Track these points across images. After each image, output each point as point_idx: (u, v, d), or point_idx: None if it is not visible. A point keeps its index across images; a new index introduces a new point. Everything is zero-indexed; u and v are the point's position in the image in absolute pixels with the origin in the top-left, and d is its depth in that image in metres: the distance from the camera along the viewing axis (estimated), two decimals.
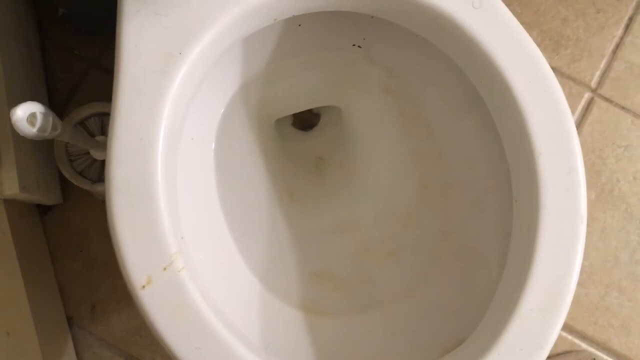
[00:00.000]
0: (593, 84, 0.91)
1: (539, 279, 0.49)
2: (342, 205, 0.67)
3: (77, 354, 0.82)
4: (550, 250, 0.50)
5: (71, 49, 0.89)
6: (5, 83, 0.70)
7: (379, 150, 0.67)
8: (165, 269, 0.47)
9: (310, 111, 0.71)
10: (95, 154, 0.76)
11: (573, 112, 0.91)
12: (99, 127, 0.77)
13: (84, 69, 0.89)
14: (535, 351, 0.48)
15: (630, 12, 0.92)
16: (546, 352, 0.49)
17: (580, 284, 0.87)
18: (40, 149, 0.79)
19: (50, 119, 0.53)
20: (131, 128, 0.48)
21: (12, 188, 0.70)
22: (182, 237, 0.50)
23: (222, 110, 0.62)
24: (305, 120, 0.72)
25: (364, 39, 0.63)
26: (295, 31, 0.60)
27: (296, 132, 0.72)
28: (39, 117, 0.51)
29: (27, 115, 0.50)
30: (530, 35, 0.89)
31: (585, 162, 0.88)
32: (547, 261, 0.50)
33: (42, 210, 0.85)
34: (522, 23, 0.90)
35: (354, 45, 0.64)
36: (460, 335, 0.53)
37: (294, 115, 0.70)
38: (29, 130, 0.51)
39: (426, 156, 0.64)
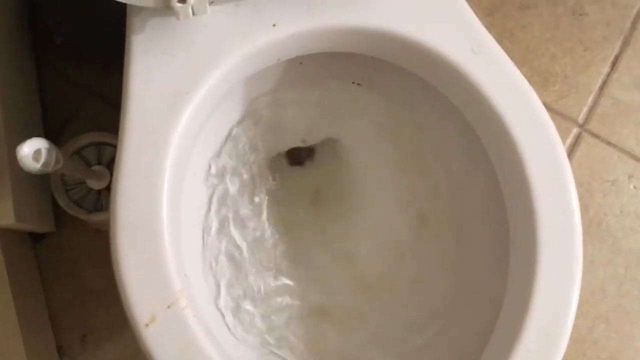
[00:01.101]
0: (580, 119, 0.94)
1: (537, 319, 0.50)
2: (339, 240, 0.68)
3: None
4: (547, 290, 0.51)
5: (67, 77, 0.89)
6: (3, 112, 0.70)
7: (376, 184, 0.68)
8: (169, 306, 0.47)
9: (309, 146, 0.72)
10: (92, 184, 0.76)
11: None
12: (96, 156, 0.77)
13: (80, 96, 0.89)
14: None
15: (616, 50, 0.95)
16: None
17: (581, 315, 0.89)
18: (35, 179, 0.78)
19: (54, 154, 0.54)
20: (137, 166, 0.49)
21: (7, 218, 0.70)
22: (185, 275, 0.50)
23: (222, 145, 0.62)
24: (300, 155, 0.73)
25: (362, 77, 0.64)
26: (296, 68, 0.61)
27: (293, 167, 0.73)
28: (44, 152, 0.52)
29: (33, 151, 0.50)
30: (520, 71, 0.92)
31: None
32: (544, 301, 0.51)
33: (35, 238, 0.85)
34: (512, 59, 0.92)
35: (353, 82, 0.65)
36: None
37: (288, 150, 0.71)
38: (34, 166, 0.51)
39: (423, 192, 0.66)
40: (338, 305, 0.63)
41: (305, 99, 0.65)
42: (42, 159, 0.52)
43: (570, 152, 0.93)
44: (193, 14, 0.50)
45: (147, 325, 0.47)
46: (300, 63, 0.61)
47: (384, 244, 0.66)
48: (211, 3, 0.51)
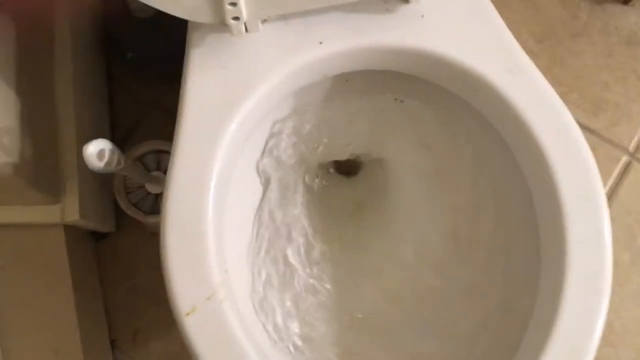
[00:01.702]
0: (631, 148, 0.93)
1: (563, 336, 0.51)
2: (377, 252, 0.70)
3: None
4: (574, 308, 0.52)
5: (135, 91, 0.96)
6: (75, 118, 0.77)
7: (415, 200, 0.70)
8: (208, 298, 0.51)
9: (352, 160, 0.75)
10: (150, 188, 0.81)
11: (610, 174, 0.92)
12: (155, 163, 0.83)
13: (145, 108, 0.96)
14: None
15: None
16: None
17: (610, 344, 0.87)
18: (100, 181, 0.85)
19: (116, 155, 0.59)
20: (188, 169, 0.53)
21: (72, 215, 0.76)
22: (225, 271, 0.54)
23: (271, 156, 0.66)
24: (348, 167, 0.77)
25: (405, 94, 0.67)
26: (342, 85, 0.65)
27: (338, 178, 0.76)
28: (107, 153, 0.57)
29: (97, 151, 0.55)
30: (570, 97, 0.93)
31: (620, 225, 0.89)
32: (572, 318, 0.51)
33: (97, 237, 0.91)
34: (563, 86, 0.94)
35: (396, 99, 0.68)
36: None
37: (337, 161, 0.74)
38: (97, 164, 0.56)
39: (459, 209, 0.67)
40: (369, 313, 0.65)
41: (349, 116, 0.68)
42: (105, 159, 0.57)
43: (619, 180, 0.92)
44: (246, 30, 0.55)
45: (187, 314, 0.51)
46: (347, 80, 0.65)
47: (421, 258, 0.68)
48: (263, 21, 0.56)
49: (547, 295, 0.54)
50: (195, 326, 0.51)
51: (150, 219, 0.81)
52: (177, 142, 0.54)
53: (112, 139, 0.93)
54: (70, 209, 0.76)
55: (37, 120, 0.71)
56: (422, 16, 0.57)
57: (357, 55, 0.57)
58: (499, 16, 0.58)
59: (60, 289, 0.78)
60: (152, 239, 0.90)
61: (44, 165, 0.73)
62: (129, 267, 0.91)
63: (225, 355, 0.50)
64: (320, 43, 0.56)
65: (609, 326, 0.88)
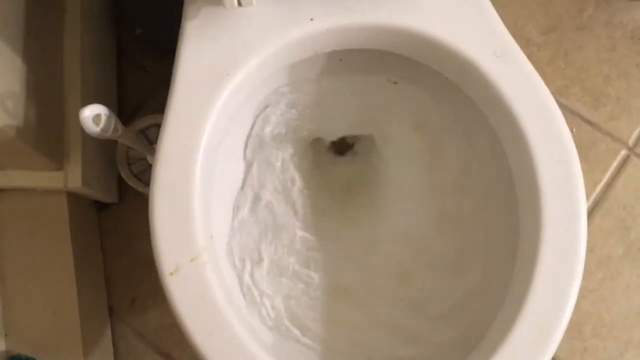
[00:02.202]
0: (630, 142, 0.93)
1: (533, 311, 0.52)
2: (365, 228, 0.72)
3: (113, 341, 0.89)
4: (546, 285, 0.53)
5: (143, 66, 0.99)
6: (82, 88, 0.80)
7: (405, 180, 0.72)
8: (192, 260, 0.53)
9: (345, 139, 0.77)
10: (152, 160, 0.84)
11: (608, 167, 0.93)
12: (157, 136, 0.85)
13: (152, 85, 0.98)
14: None
15: None
16: None
17: (599, 337, 0.88)
18: (103, 151, 0.88)
19: (113, 122, 0.61)
20: (178, 135, 0.55)
21: (75, 182, 0.79)
22: (211, 236, 0.56)
23: (263, 128, 0.68)
24: (341, 146, 0.78)
25: (399, 76, 0.69)
26: (336, 64, 0.67)
27: (330, 155, 0.78)
28: (103, 118, 0.59)
29: (93, 115, 0.58)
30: (572, 90, 0.94)
31: (615, 218, 0.90)
32: (542, 296, 0.53)
33: (99, 207, 0.94)
34: (565, 78, 0.95)
35: (389, 80, 0.69)
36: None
37: (330, 140, 0.76)
38: (93, 128, 0.59)
39: (446, 190, 0.69)
40: (356, 285, 0.67)
41: (343, 95, 0.70)
42: (102, 124, 0.60)
43: (617, 174, 0.93)
44: (239, 4, 0.56)
45: (171, 274, 0.53)
46: (341, 60, 0.66)
47: (407, 235, 0.70)
48: None
49: (521, 275, 0.55)
50: (177, 286, 0.53)
51: None
52: (169, 109, 0.56)
53: (119, 112, 0.96)
54: (72, 176, 0.79)
55: (44, 88, 0.74)
56: None
57: (347, 33, 0.59)
58: (489, 1, 0.59)
59: (60, 253, 0.81)
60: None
61: (49, 132, 0.76)
62: (130, 238, 0.94)
63: (205, 315, 0.52)
64: (312, 19, 0.58)
65: (598, 319, 0.89)
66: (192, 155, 0.55)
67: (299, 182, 0.71)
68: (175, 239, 0.54)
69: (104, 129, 0.60)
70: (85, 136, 0.81)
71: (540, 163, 0.55)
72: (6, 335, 0.77)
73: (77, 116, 0.78)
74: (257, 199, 0.67)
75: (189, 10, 0.58)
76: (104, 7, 0.94)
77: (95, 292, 0.89)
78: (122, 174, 0.84)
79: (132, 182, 0.84)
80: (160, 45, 0.97)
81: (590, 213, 0.91)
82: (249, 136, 0.67)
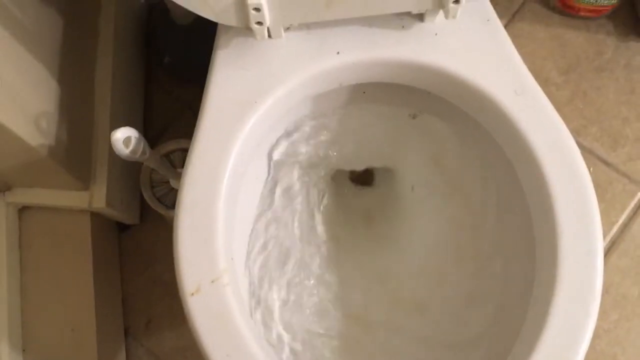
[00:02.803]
0: None
1: (547, 349, 0.52)
2: (383, 258, 0.73)
3: None
4: (562, 323, 0.53)
5: (170, 92, 1.02)
6: (111, 111, 0.83)
7: (423, 213, 0.73)
8: (213, 281, 0.54)
9: (366, 170, 0.78)
10: (174, 184, 0.86)
11: (625, 208, 0.93)
12: (181, 160, 0.88)
13: (178, 110, 1.01)
14: None
15: None
16: None
17: None
18: (128, 174, 0.90)
19: (142, 144, 0.63)
20: (205, 158, 0.57)
21: (99, 202, 0.81)
22: (232, 258, 0.58)
23: (286, 156, 0.70)
24: (361, 178, 0.80)
25: (419, 111, 0.70)
26: (359, 96, 0.69)
27: (351, 187, 0.79)
28: (133, 140, 0.61)
29: (124, 137, 0.60)
30: (590, 130, 0.95)
31: (632, 259, 0.90)
32: (557, 333, 0.53)
33: (120, 227, 0.96)
34: (583, 118, 0.96)
35: (410, 115, 0.71)
36: None
37: (351, 171, 0.77)
38: (123, 150, 0.61)
39: (464, 225, 0.70)
40: (372, 315, 0.68)
41: (364, 126, 0.72)
42: (131, 146, 0.62)
43: (634, 215, 0.93)
44: (269, 36, 0.59)
45: (192, 294, 0.54)
46: (364, 92, 0.68)
47: (424, 269, 0.71)
48: (286, 29, 0.60)
49: (536, 312, 0.56)
50: (198, 306, 0.54)
51: (172, 213, 0.85)
52: (197, 133, 0.58)
53: (145, 135, 0.98)
54: (97, 197, 0.81)
55: (75, 109, 0.77)
56: (436, 34, 0.60)
57: (371, 67, 0.61)
58: (509, 39, 0.61)
59: (81, 271, 0.83)
60: (172, 235, 0.94)
61: (77, 153, 0.78)
62: (149, 259, 0.95)
63: (223, 336, 0.53)
64: (338, 53, 0.60)
65: (613, 359, 0.88)
66: (218, 179, 0.57)
67: (319, 211, 0.72)
68: (197, 260, 0.55)
69: (133, 151, 0.62)
70: (112, 158, 0.83)
71: (558, 200, 0.56)
72: (24, 350, 0.79)
73: (105, 138, 0.81)
74: (277, 224, 0.68)
75: (221, 39, 0.61)
76: (135, 34, 0.98)
77: (113, 312, 0.90)
78: (145, 196, 0.86)
79: (154, 205, 0.86)
80: (186, 73, 1.00)
81: (607, 253, 0.91)
82: (271, 164, 0.69)
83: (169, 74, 1.02)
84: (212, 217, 0.56)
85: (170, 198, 0.88)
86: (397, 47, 0.60)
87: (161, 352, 0.91)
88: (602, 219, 0.56)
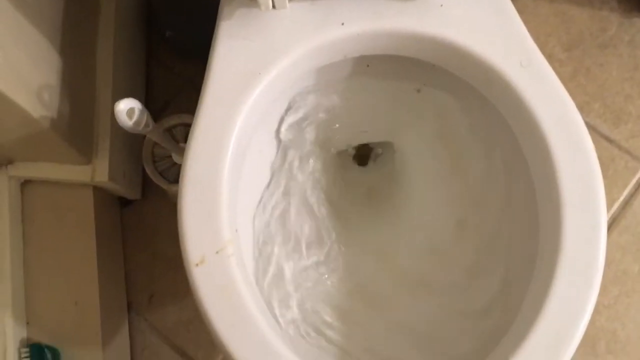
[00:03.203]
0: None
1: (549, 319, 0.53)
2: (386, 234, 0.73)
3: (130, 335, 0.91)
4: (564, 295, 0.53)
5: (171, 68, 1.01)
6: (113, 85, 0.82)
7: (425, 188, 0.73)
8: (217, 252, 0.55)
9: (368, 148, 0.78)
10: (176, 158, 0.85)
11: (626, 185, 0.93)
12: (183, 135, 0.88)
13: (179, 86, 1.01)
14: None
15: None
16: None
17: (613, 353, 0.88)
18: (130, 148, 0.90)
19: (145, 116, 0.63)
20: (209, 130, 0.57)
21: (102, 176, 0.81)
22: (236, 230, 0.58)
23: (289, 130, 0.70)
24: (364, 156, 0.80)
25: (424, 85, 0.70)
26: (363, 70, 0.68)
27: (354, 165, 0.79)
28: (136, 112, 0.61)
29: (127, 109, 0.60)
30: (592, 107, 0.95)
31: (633, 235, 0.90)
32: (559, 304, 0.53)
33: (123, 203, 0.96)
34: (586, 95, 0.96)
35: (415, 89, 0.71)
36: None
37: (356, 150, 0.77)
38: (127, 122, 0.60)
39: (468, 199, 0.70)
40: (372, 289, 0.68)
41: (367, 101, 0.72)
42: (134, 118, 0.62)
43: (635, 192, 0.93)
44: (274, 7, 0.58)
45: (197, 265, 0.54)
46: (368, 65, 0.68)
47: (426, 242, 0.71)
48: (291, 0, 0.59)
49: (540, 283, 0.56)
50: (202, 277, 0.54)
51: (174, 188, 0.85)
52: (201, 105, 0.58)
53: None
54: (100, 170, 0.81)
55: (77, 83, 0.76)
56: (441, 5, 0.60)
57: (376, 38, 0.60)
58: (515, 12, 0.60)
59: (84, 245, 0.83)
60: (174, 209, 0.94)
61: (80, 126, 0.78)
62: (151, 234, 0.95)
63: (228, 306, 0.53)
64: (342, 24, 0.59)
65: (612, 334, 0.89)
66: (222, 150, 0.57)
67: (322, 186, 0.72)
68: (201, 231, 0.55)
69: (137, 123, 0.62)
70: (114, 133, 0.83)
71: (563, 173, 0.56)
72: (28, 323, 0.79)
73: (107, 112, 0.81)
74: (281, 199, 0.68)
75: (224, 10, 0.60)
76: (136, 9, 0.97)
77: (116, 286, 0.91)
78: (147, 171, 0.86)
79: (156, 179, 0.86)
80: (188, 48, 0.99)
81: (608, 230, 0.91)
82: (276, 136, 0.69)
83: (170, 49, 1.01)
84: (216, 188, 0.56)
85: (172, 173, 0.88)
86: (402, 18, 0.60)
87: (164, 327, 0.92)
88: None
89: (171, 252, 0.94)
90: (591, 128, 0.95)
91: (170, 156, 0.87)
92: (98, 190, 0.85)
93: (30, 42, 0.66)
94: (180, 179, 0.57)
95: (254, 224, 0.66)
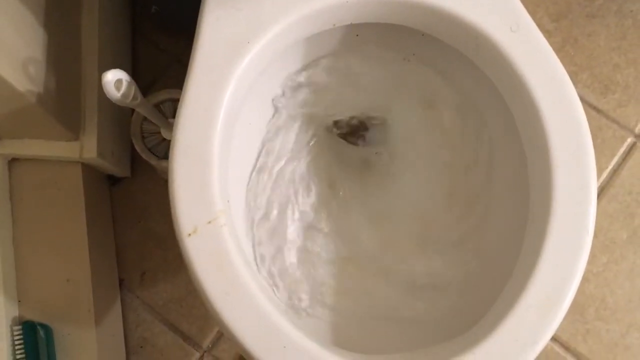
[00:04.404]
0: (637, 130, 0.94)
1: (541, 281, 0.53)
2: (377, 203, 0.73)
3: (122, 312, 0.91)
4: (555, 256, 0.54)
5: (157, 44, 1.00)
6: (99, 60, 0.81)
7: (416, 158, 0.73)
8: (209, 222, 0.54)
9: (358, 124, 0.78)
10: (165, 134, 0.85)
11: (614, 154, 0.94)
12: (172, 111, 0.87)
13: (166, 62, 1.00)
14: (529, 345, 0.52)
15: None
16: (539, 348, 0.53)
17: (602, 319, 0.89)
18: (118, 125, 0.89)
19: (133, 88, 0.62)
20: (198, 100, 0.57)
21: (90, 152, 0.80)
22: (228, 201, 0.57)
23: (279, 101, 0.69)
24: (356, 126, 0.79)
25: (414, 54, 0.70)
26: (352, 40, 0.68)
27: (344, 142, 0.79)
28: (124, 84, 0.61)
29: (115, 80, 0.59)
30: (580, 77, 0.95)
31: (620, 203, 0.91)
32: (550, 266, 0.54)
33: (112, 181, 0.95)
34: (574, 65, 0.96)
35: (404, 59, 0.70)
36: (465, 328, 0.58)
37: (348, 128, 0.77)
38: (114, 93, 0.60)
39: (457, 168, 0.70)
40: (364, 257, 0.69)
41: (357, 71, 0.71)
42: (123, 89, 0.61)
43: (623, 161, 0.94)
44: None
45: (189, 235, 0.54)
46: (357, 35, 0.68)
47: (416, 212, 0.71)
48: None
49: (530, 247, 0.56)
50: (195, 247, 0.54)
51: (163, 163, 0.85)
52: (190, 74, 0.57)
53: None
54: (88, 147, 0.80)
55: (63, 57, 0.75)
56: None
57: (365, 5, 0.60)
58: None
59: (74, 222, 0.82)
60: (164, 186, 0.94)
61: (67, 101, 0.77)
62: (142, 212, 0.95)
63: (221, 275, 0.53)
64: None
65: (602, 301, 0.90)
66: (212, 120, 0.56)
67: (313, 158, 0.72)
68: (193, 201, 0.55)
69: (125, 95, 0.61)
70: (102, 109, 0.82)
71: (552, 135, 0.56)
72: (19, 301, 0.79)
73: (93, 88, 0.80)
74: (272, 168, 0.68)
75: None
76: None
77: (107, 263, 0.90)
78: (136, 146, 0.85)
79: (146, 155, 0.85)
80: (174, 23, 0.98)
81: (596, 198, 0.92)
82: (265, 108, 0.68)
83: (156, 25, 1.00)
84: (206, 158, 0.56)
85: (161, 149, 0.87)
86: None
87: (156, 304, 0.92)
88: None
89: (162, 230, 0.94)
90: (579, 98, 0.95)
91: (159, 132, 0.86)
92: (87, 168, 0.84)
93: (14, 13, 0.65)
94: (170, 150, 0.57)
95: (246, 194, 0.66)
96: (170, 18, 0.96)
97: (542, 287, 0.53)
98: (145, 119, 0.86)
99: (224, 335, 0.88)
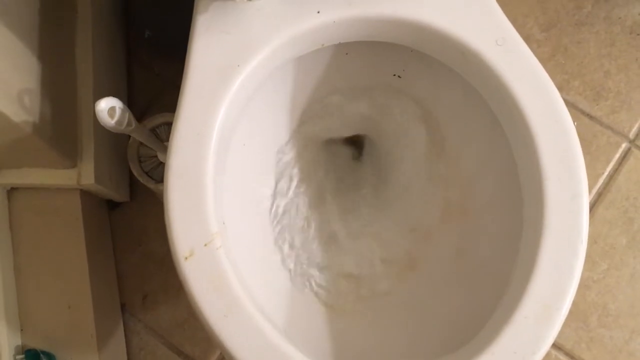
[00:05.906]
0: (631, 135, 0.95)
1: (537, 291, 0.54)
2: (374, 217, 0.74)
3: (125, 337, 0.91)
4: (550, 266, 0.54)
5: (152, 68, 1.01)
6: (93, 88, 0.82)
7: (410, 171, 0.73)
8: (206, 245, 0.55)
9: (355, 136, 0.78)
10: (162, 157, 0.85)
11: (610, 160, 0.94)
12: (168, 134, 0.87)
13: (161, 86, 1.00)
14: (528, 356, 0.52)
15: None
16: (539, 358, 0.53)
17: (605, 326, 0.89)
18: (115, 150, 0.90)
19: (127, 115, 0.63)
20: (190, 124, 0.57)
21: (88, 179, 0.81)
22: (223, 223, 0.58)
23: (272, 124, 0.70)
24: (352, 144, 0.80)
25: (403, 70, 0.70)
26: (342, 59, 0.69)
27: (342, 151, 0.79)
28: (118, 111, 0.61)
29: (108, 108, 0.60)
30: (572, 84, 0.96)
31: (618, 209, 0.91)
32: (546, 276, 0.54)
33: (111, 205, 0.96)
34: (565, 73, 0.96)
35: (394, 75, 0.71)
36: (464, 340, 0.58)
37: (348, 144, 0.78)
38: (108, 121, 0.60)
39: (450, 180, 0.70)
40: (365, 274, 0.69)
41: (351, 88, 0.72)
42: (116, 117, 0.61)
43: (619, 166, 0.94)
44: None
45: (186, 258, 0.55)
46: (346, 53, 0.68)
47: (412, 225, 0.71)
48: None
49: (526, 257, 0.57)
50: (192, 270, 0.54)
51: (161, 187, 0.85)
52: (182, 99, 0.58)
53: None
54: (86, 173, 0.81)
55: (57, 86, 0.76)
56: None
57: (352, 25, 0.61)
58: None
59: (74, 249, 0.83)
60: (162, 208, 0.94)
61: (63, 130, 0.78)
62: (141, 235, 0.95)
63: (219, 297, 0.54)
64: (318, 12, 0.60)
65: (604, 308, 0.90)
66: (205, 142, 0.57)
67: (307, 176, 0.72)
68: (188, 224, 0.55)
69: (119, 122, 0.62)
70: (98, 135, 0.83)
71: (542, 148, 0.57)
72: (22, 330, 0.79)
73: (89, 115, 0.81)
74: (270, 191, 0.69)
75: (200, 4, 0.61)
76: (114, 9, 0.97)
77: (108, 288, 0.91)
78: (134, 171, 0.86)
79: (143, 179, 0.86)
80: (168, 47, 0.99)
81: (594, 205, 0.93)
82: (261, 130, 0.69)
83: (150, 50, 1.01)
84: (201, 181, 0.56)
85: (158, 172, 0.88)
86: (376, 4, 0.60)
87: (159, 327, 0.92)
88: (587, 171, 0.57)
89: (162, 252, 0.94)
90: (572, 106, 0.96)
91: (156, 156, 0.87)
92: (85, 194, 0.85)
93: (7, 44, 0.66)
94: (165, 171, 0.57)
95: (241, 214, 0.66)
96: (164, 42, 0.98)
97: (538, 298, 0.53)
98: (142, 143, 0.87)
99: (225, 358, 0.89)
